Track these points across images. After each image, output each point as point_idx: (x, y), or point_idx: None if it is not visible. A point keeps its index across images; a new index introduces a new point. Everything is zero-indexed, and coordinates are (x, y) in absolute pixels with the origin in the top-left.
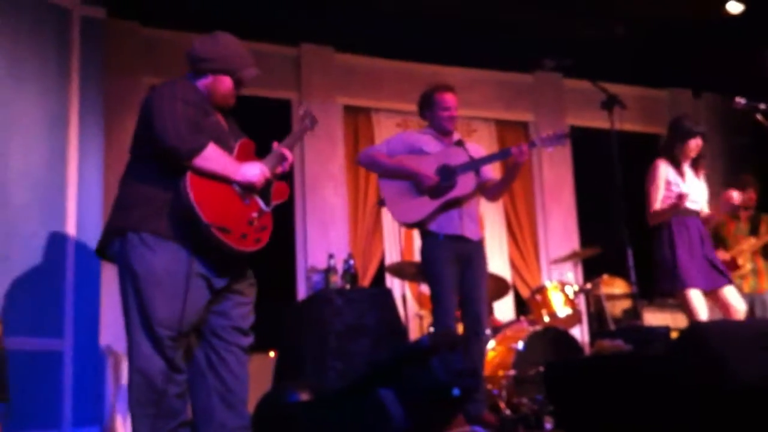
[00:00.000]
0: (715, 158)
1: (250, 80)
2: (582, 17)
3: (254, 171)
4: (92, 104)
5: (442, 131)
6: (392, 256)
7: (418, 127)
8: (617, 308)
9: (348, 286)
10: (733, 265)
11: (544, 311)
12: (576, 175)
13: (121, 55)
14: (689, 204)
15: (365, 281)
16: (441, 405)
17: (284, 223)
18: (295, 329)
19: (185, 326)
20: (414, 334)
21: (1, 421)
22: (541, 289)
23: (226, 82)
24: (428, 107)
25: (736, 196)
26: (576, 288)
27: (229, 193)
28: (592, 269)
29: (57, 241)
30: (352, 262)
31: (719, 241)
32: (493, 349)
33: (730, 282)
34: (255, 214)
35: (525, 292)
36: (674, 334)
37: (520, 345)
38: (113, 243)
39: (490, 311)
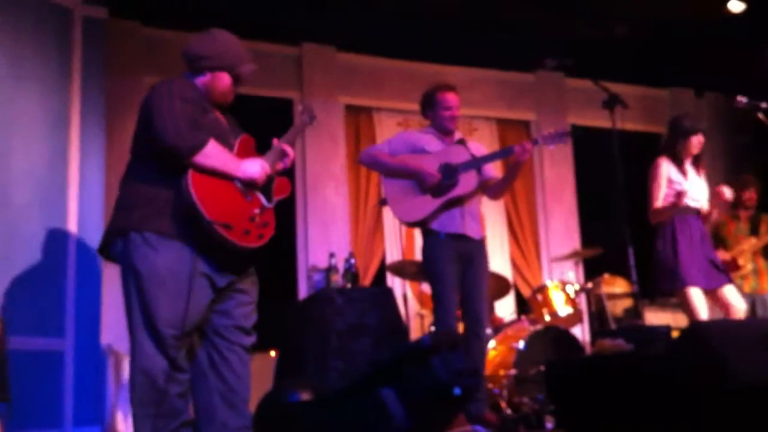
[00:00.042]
0: (716, 157)
1: (248, 76)
2: (583, 17)
3: (255, 167)
4: (93, 104)
5: (443, 131)
6: (393, 255)
7: (419, 127)
8: (618, 307)
9: (349, 285)
10: (733, 265)
11: (545, 310)
12: (577, 175)
13: (123, 54)
14: (691, 202)
15: (366, 280)
16: (442, 404)
17: (285, 223)
18: (296, 328)
19: (188, 326)
20: (415, 333)
21: (3, 421)
22: (542, 289)
23: (224, 79)
24: (430, 107)
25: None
26: (577, 287)
27: (231, 190)
28: (593, 268)
29: (58, 240)
30: (353, 261)
31: (719, 241)
32: (494, 348)
33: (730, 281)
34: (257, 211)
35: (526, 292)
36: (675, 334)
37: (521, 344)
38: (116, 243)
39: (491, 310)
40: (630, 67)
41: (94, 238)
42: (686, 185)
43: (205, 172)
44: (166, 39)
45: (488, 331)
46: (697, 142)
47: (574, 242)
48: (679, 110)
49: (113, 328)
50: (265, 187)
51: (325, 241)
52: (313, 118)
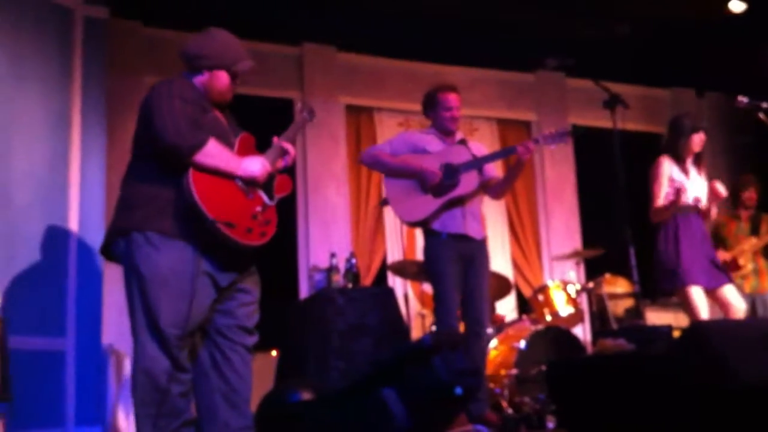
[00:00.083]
0: (717, 157)
1: (246, 74)
2: (584, 16)
3: (256, 165)
4: (95, 104)
5: (444, 131)
6: (394, 255)
7: (420, 127)
8: (619, 307)
9: (350, 285)
10: (734, 265)
11: (546, 310)
12: (578, 174)
13: (124, 54)
14: (693, 201)
15: (367, 280)
16: (443, 404)
17: (286, 223)
18: (298, 328)
19: (191, 325)
20: (416, 333)
21: (4, 420)
22: (544, 288)
23: (222, 77)
24: (431, 107)
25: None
26: (578, 287)
27: (232, 188)
28: (594, 268)
29: (59, 240)
30: (354, 261)
31: (720, 241)
32: (495, 348)
33: (730, 281)
34: (259, 208)
35: (527, 291)
36: (676, 334)
37: (522, 344)
38: (118, 243)
39: (492, 310)
40: (631, 67)
41: (95, 238)
42: (688, 184)
43: (206, 171)
44: (167, 39)
45: (489, 330)
46: (698, 140)
47: (575, 242)
48: (680, 110)
49: (114, 327)
50: (267, 185)
51: (326, 241)
52: (313, 114)
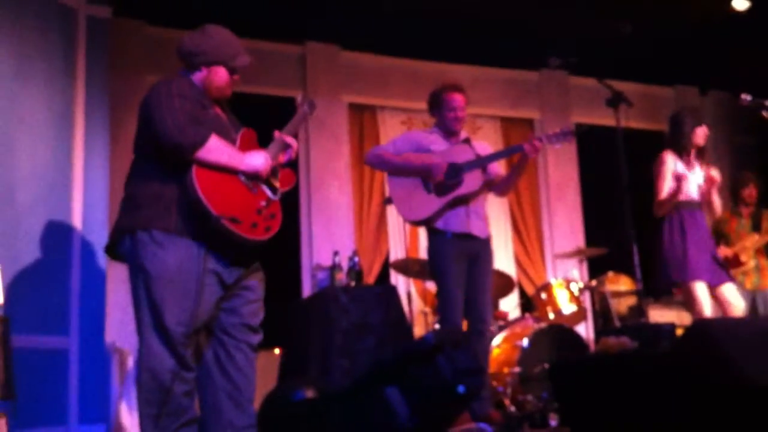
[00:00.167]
0: (720, 154)
1: (245, 69)
2: (587, 15)
3: (259, 159)
4: (98, 103)
5: (448, 131)
6: (397, 253)
7: (423, 125)
8: (622, 305)
9: (353, 284)
10: (735, 261)
11: (549, 308)
12: (581, 173)
13: (127, 54)
14: (695, 195)
15: (370, 278)
16: (446, 403)
17: (289, 221)
18: (300, 327)
19: (197, 323)
20: (419, 331)
21: (8, 419)
22: (546, 287)
23: (221, 73)
24: (436, 106)
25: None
26: (581, 285)
27: (236, 184)
28: (597, 266)
29: (63, 239)
30: (357, 259)
31: (721, 237)
32: (498, 346)
33: (730, 279)
34: (263, 203)
35: (530, 290)
36: (679, 332)
37: (525, 342)
38: (123, 242)
39: (496, 307)
40: (634, 65)
41: (99, 236)
42: (692, 178)
43: (208, 168)
44: (170, 38)
45: (493, 328)
46: (702, 133)
47: (578, 240)
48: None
49: (118, 326)
50: (270, 179)
51: (329, 240)
52: (314, 107)
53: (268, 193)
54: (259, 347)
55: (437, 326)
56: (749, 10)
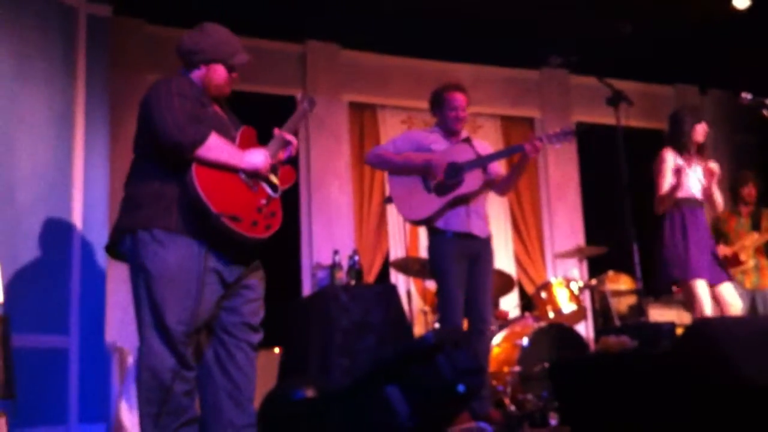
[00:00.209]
0: (720, 153)
1: (244, 66)
2: (587, 14)
3: (259, 157)
4: (98, 102)
5: (449, 130)
6: (397, 252)
7: (423, 125)
8: (622, 304)
9: (353, 283)
10: (735, 260)
11: (549, 307)
12: (582, 171)
13: (127, 52)
14: (696, 193)
15: (370, 277)
16: (446, 402)
17: (290, 220)
18: (300, 326)
19: (198, 322)
20: (419, 330)
21: (8, 418)
22: (546, 286)
23: (219, 71)
24: (438, 105)
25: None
26: (581, 284)
27: (236, 182)
28: (597, 265)
29: (63, 238)
30: (357, 258)
31: (720, 236)
32: (498, 345)
33: (729, 279)
34: (263, 201)
35: (530, 289)
36: (679, 331)
37: (525, 341)
38: (124, 241)
39: (496, 306)
40: (634, 64)
41: (99, 236)
42: (692, 175)
43: (208, 166)
44: (170, 37)
45: (493, 327)
46: (701, 129)
47: (579, 239)
48: None
49: (118, 325)
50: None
51: (329, 239)
52: (313, 104)
53: (269, 190)
54: (259, 346)
55: (437, 325)
56: (749, 9)
